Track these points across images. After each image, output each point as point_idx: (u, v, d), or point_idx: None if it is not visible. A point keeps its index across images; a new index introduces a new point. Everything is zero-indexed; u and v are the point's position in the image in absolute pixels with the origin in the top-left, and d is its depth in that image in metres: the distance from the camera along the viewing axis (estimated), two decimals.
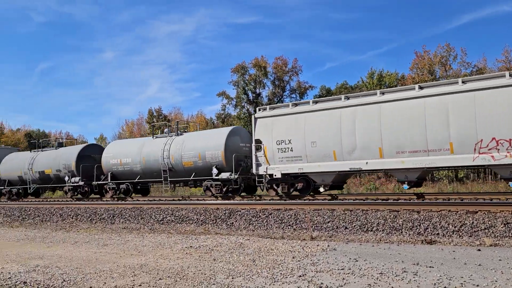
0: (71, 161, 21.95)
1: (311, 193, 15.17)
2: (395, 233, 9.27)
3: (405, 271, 5.65)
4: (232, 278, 5.67)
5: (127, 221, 13.58)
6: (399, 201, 12.51)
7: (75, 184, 21.79)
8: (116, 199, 20.47)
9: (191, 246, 8.55)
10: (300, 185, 14.88)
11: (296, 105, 15.40)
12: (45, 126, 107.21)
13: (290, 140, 14.71)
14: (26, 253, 8.64)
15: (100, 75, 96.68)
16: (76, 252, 8.50)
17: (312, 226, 10.34)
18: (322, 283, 5.21)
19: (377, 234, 9.35)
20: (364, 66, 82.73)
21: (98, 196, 22.82)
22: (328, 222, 10.37)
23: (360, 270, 5.85)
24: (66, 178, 22.01)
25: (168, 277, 5.90)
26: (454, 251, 7.04)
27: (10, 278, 6.23)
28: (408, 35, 69.07)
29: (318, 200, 14.01)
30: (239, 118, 39.76)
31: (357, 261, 6.49)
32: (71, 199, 22.17)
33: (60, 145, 26.46)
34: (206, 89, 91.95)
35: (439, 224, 9.10)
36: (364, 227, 9.78)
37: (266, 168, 15.26)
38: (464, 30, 60.74)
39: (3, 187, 25.77)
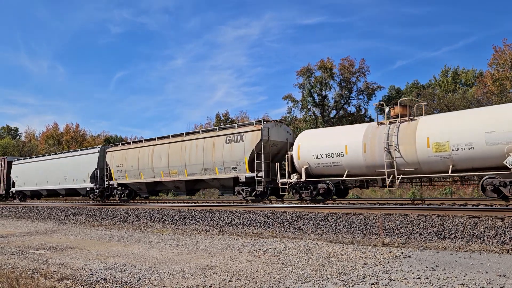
0: None
1: None
2: (476, 241, 8.62)
3: (490, 283, 5.20)
4: (302, 283, 5.58)
5: (197, 222, 13.98)
6: (479, 206, 11.64)
7: None
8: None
9: (259, 249, 8.58)
10: None
11: None
12: (121, 131, 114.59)
13: None
14: (106, 251, 9.18)
15: (171, 81, 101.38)
16: (150, 251, 8.87)
17: (383, 232, 9.93)
18: None
19: (455, 242, 8.75)
20: (438, 64, 78.81)
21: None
22: (401, 227, 9.90)
23: (438, 280, 5.48)
24: None
25: (238, 279, 5.95)
26: None
27: (91, 274, 6.63)
28: (487, 28, 64.67)
29: (389, 205, 13.45)
30: (305, 121, 39.53)
31: (434, 270, 6.10)
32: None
33: None
34: (272, 92, 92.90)
35: None
36: (441, 234, 9.20)
37: None
38: None
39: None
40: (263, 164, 16.45)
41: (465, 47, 68.74)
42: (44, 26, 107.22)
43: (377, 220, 10.44)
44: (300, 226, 11.55)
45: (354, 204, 14.54)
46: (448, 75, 40.95)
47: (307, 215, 11.97)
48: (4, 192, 33.91)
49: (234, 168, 17.34)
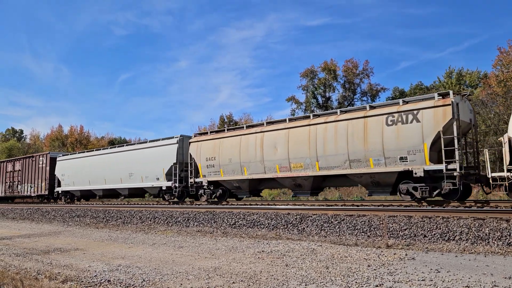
0: None
1: None
2: (481, 243, 8.57)
3: (495, 285, 5.17)
4: (305, 285, 5.57)
5: (200, 224, 13.98)
6: (484, 208, 11.58)
7: None
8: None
9: (263, 251, 8.57)
10: None
11: None
12: (125, 133, 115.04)
13: None
14: (110, 252, 9.20)
15: (175, 83, 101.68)
16: (154, 253, 8.88)
17: (387, 234, 9.89)
18: None
19: (460, 244, 8.71)
20: (442, 65, 78.50)
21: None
22: (405, 229, 9.87)
23: (443, 282, 5.46)
24: None
25: (241, 281, 5.94)
26: None
27: (96, 276, 6.65)
28: (492, 29, 64.40)
29: (393, 207, 13.40)
30: None
31: (439, 272, 6.07)
32: None
33: None
34: (276, 94, 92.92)
35: None
36: (445, 236, 9.16)
37: None
38: None
39: None
40: (456, 152, 12.20)
41: (469, 48, 68.57)
42: (49, 28, 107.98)
43: (381, 222, 10.41)
44: (303, 228, 11.53)
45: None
46: (452, 76, 40.82)
47: (311, 216, 11.95)
48: (47, 193, 29.77)
49: (402, 158, 13.02)
